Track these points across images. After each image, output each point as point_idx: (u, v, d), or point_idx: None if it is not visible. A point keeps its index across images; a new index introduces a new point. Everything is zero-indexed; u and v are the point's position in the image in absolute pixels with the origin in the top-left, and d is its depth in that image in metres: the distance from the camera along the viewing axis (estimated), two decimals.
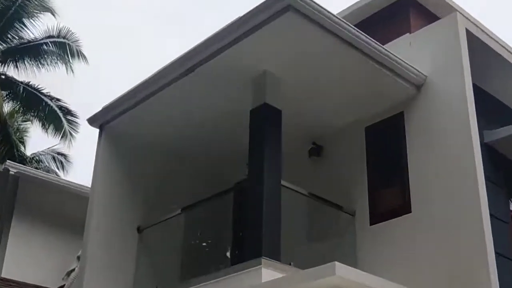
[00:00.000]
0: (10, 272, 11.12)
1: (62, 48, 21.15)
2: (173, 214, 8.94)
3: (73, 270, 9.85)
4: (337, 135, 9.04)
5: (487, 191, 7.31)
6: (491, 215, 7.25)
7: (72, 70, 21.37)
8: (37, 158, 22.52)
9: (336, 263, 6.08)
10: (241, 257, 8.19)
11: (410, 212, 7.70)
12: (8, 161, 12.58)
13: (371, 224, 8.03)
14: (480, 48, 8.28)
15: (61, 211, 12.63)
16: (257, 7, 7.24)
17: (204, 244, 10.57)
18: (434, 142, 7.86)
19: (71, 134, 21.25)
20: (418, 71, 8.14)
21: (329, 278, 6.08)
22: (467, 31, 8.15)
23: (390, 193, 8.10)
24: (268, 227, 7.10)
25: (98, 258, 8.77)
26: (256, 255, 6.95)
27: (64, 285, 9.93)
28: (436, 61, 8.24)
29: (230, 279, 7.33)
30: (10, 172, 12.07)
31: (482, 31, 8.41)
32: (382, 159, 8.47)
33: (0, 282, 9.32)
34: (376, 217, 8.02)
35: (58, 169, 22.49)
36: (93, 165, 9.36)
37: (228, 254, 10.11)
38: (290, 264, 7.14)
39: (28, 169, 13.20)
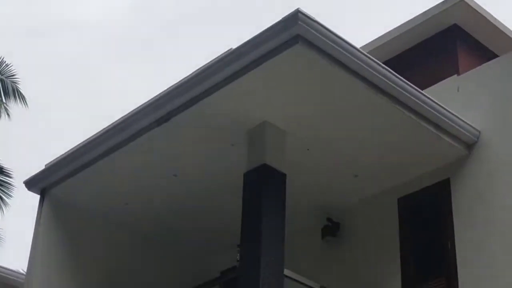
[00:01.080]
0: None
1: None
2: None
3: None
4: (360, 209, 9.07)
5: None
6: None
7: (7, 114, 21.39)
8: None
9: None
10: None
11: None
12: None
13: None
14: None
15: None
16: (257, 36, 7.24)
17: None
18: (492, 218, 7.85)
19: (2, 199, 21.14)
20: (470, 125, 8.22)
21: None
22: None
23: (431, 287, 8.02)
24: None
25: None
26: None
27: None
28: (492, 112, 8.32)
29: None
30: None
31: None
32: (421, 241, 8.44)
33: None
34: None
35: None
36: (30, 244, 9.29)
37: None
38: None
39: None
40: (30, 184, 9.44)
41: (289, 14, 6.95)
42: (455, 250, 7.96)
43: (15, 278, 12.36)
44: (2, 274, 12.68)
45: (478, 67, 8.98)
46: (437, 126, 8.01)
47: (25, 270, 9.51)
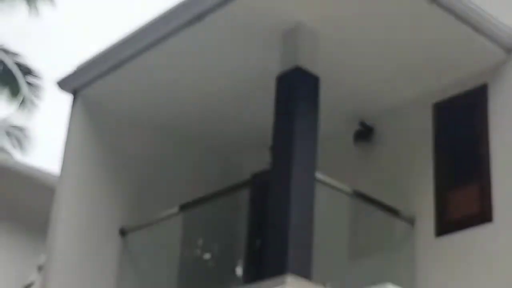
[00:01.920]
0: None
1: None
2: (167, 213, 8.99)
3: (32, 283, 9.96)
4: (394, 114, 9.01)
5: None
6: None
7: (36, 9, 21.31)
8: None
9: (389, 285, 6.08)
10: (257, 274, 8.23)
11: (491, 220, 7.65)
12: None
13: (437, 236, 8.00)
14: None
15: (16, 204, 12.73)
16: None
17: (207, 255, 10.63)
18: None
19: (32, 101, 21.35)
20: (510, 28, 8.06)
21: None
22: None
23: (464, 194, 8.02)
24: (296, 234, 7.11)
25: (67, 270, 8.85)
26: (279, 271, 6.96)
27: None
28: None
29: None
30: None
31: None
32: (456, 147, 8.40)
33: None
34: (444, 226, 7.98)
35: (14, 147, 22.65)
36: (62, 145, 9.41)
37: (239, 270, 10.17)
38: (324, 285, 7.15)
39: None
40: (63, 84, 9.51)
41: None
42: (489, 157, 7.94)
43: (47, 179, 12.44)
44: (37, 174, 12.84)
45: None
46: (475, 27, 7.85)
47: (57, 172, 9.64)
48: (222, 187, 8.69)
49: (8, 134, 22.93)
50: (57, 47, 40.34)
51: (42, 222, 9.87)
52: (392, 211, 8.23)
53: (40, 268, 9.83)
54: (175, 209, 8.98)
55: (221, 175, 9.76)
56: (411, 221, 8.26)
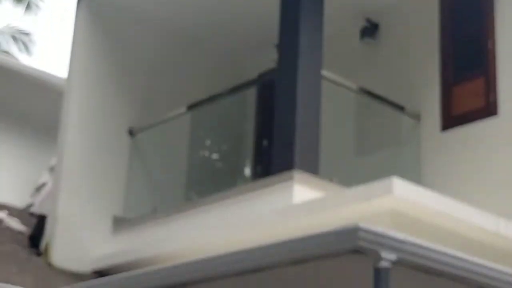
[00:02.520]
0: None
1: None
2: (175, 113, 9.03)
3: (44, 184, 10.08)
4: (400, 9, 8.92)
5: None
6: None
7: None
8: None
9: (394, 178, 6.13)
10: (265, 172, 8.32)
11: (496, 114, 7.66)
12: None
13: (442, 130, 8.04)
14: None
15: (27, 107, 12.78)
16: None
17: (215, 155, 10.73)
18: None
19: (37, 5, 21.17)
20: None
21: (384, 198, 6.15)
22: None
23: (470, 88, 8.00)
24: (303, 131, 7.16)
25: (77, 170, 8.97)
26: (286, 167, 7.05)
27: (33, 204, 10.21)
28: None
29: (250, 199, 7.47)
30: None
31: None
32: (461, 41, 8.36)
33: None
34: (449, 120, 8.02)
35: (20, 52, 22.60)
36: (69, 47, 9.39)
37: (247, 169, 10.28)
38: (331, 181, 7.23)
39: None
40: None
41: None
42: (495, 51, 7.88)
43: (55, 82, 12.40)
44: (45, 77, 12.80)
45: None
46: None
47: (65, 75, 9.65)
48: (229, 87, 8.72)
49: (14, 38, 22.86)
50: None
51: (52, 125, 9.93)
52: (398, 107, 8.25)
53: (51, 169, 9.95)
54: (183, 109, 9.02)
55: (228, 75, 9.75)
56: (416, 116, 8.28)
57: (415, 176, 7.85)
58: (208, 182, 9.81)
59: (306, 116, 7.22)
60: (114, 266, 8.25)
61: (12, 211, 9.92)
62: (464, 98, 8.01)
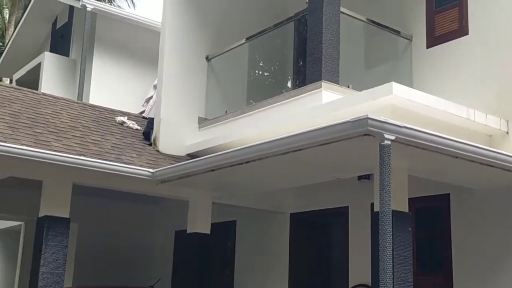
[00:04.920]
0: (95, 99, 11.59)
1: None
2: (238, 43, 8.87)
3: (151, 97, 10.12)
4: None
5: None
6: None
7: None
8: None
9: (393, 83, 5.98)
10: (302, 83, 8.18)
11: (468, 34, 7.30)
12: None
13: (427, 47, 7.71)
14: None
15: (136, 44, 12.76)
16: None
17: (266, 72, 10.60)
18: None
19: None
20: None
21: (386, 97, 6.02)
22: None
23: (448, 15, 7.58)
24: (327, 52, 6.96)
25: (172, 85, 8.98)
26: (316, 78, 6.91)
27: (144, 110, 10.29)
28: None
29: (292, 102, 7.38)
30: (88, 9, 12.08)
31: None
32: None
33: (89, 107, 9.73)
34: (433, 40, 7.68)
35: (128, 7, 22.45)
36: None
37: (289, 83, 10.14)
38: (348, 87, 7.08)
39: (104, 6, 13.18)
40: None
41: None
42: None
43: (156, 25, 12.20)
44: (148, 22, 12.60)
45: None
46: None
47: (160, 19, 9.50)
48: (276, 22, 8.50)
49: None
50: None
51: (154, 56, 9.89)
52: (395, 31, 7.93)
53: (155, 87, 9.97)
54: (242, 40, 8.85)
55: (276, 13, 9.43)
56: (409, 38, 7.96)
57: (408, 82, 7.64)
58: (262, 91, 9.72)
59: (329, 41, 6.99)
60: (200, 151, 8.34)
61: (131, 116, 10.03)
62: (443, 23, 7.63)
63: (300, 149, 5.59)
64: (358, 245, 7.96)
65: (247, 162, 6.14)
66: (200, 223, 8.02)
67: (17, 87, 9.75)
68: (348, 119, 5.03)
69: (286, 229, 9.09)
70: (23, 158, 6.38)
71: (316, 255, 8.94)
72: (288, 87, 10.14)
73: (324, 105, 6.73)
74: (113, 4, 22.05)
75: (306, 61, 7.19)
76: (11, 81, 15.73)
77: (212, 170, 6.61)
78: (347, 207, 8.25)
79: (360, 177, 7.54)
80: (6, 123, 7.08)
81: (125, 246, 11.16)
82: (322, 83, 6.81)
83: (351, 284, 7.92)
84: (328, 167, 6.43)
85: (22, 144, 6.43)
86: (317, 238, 9.06)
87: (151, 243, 11.42)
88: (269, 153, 5.78)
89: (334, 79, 6.92)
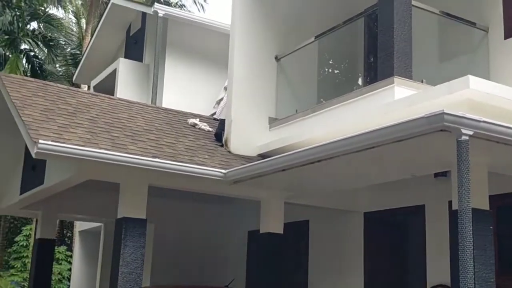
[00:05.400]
0: (168, 102, 11.84)
1: None
2: (307, 42, 8.81)
3: (222, 99, 10.23)
4: None
5: None
6: None
7: None
8: (180, 3, 22.85)
9: (470, 76, 5.76)
10: (372, 81, 8.02)
11: None
12: (156, 4, 12.82)
13: (505, 38, 7.38)
14: None
15: (206, 47, 12.92)
16: None
17: (336, 71, 10.48)
18: None
19: None
20: None
21: (462, 91, 5.80)
22: None
23: None
24: (399, 46, 6.79)
25: (242, 86, 9.02)
26: (388, 74, 6.76)
27: (215, 112, 10.41)
28: None
29: (362, 99, 7.26)
30: (159, 15, 12.36)
31: None
32: None
33: (162, 110, 9.95)
34: (511, 30, 7.33)
35: (198, 11, 22.82)
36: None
37: (360, 81, 9.98)
38: (422, 82, 6.88)
39: (175, 11, 13.45)
40: None
41: None
42: None
43: (226, 27, 12.32)
44: (218, 25, 12.72)
45: None
46: None
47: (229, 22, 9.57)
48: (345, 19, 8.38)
49: (195, 2, 23.05)
50: None
51: (224, 59, 9.96)
52: (471, 23, 7.64)
53: (225, 88, 10.06)
54: (312, 38, 8.78)
55: (344, 11, 9.31)
56: (485, 29, 7.64)
57: (485, 74, 7.34)
58: (332, 90, 9.61)
59: (401, 36, 6.82)
60: (271, 151, 8.33)
61: (202, 118, 10.17)
62: None
63: (373, 147, 5.48)
64: (436, 244, 7.73)
65: (319, 161, 6.08)
66: (272, 223, 8.02)
67: (95, 93, 10.11)
68: (423, 114, 4.88)
69: (360, 228, 8.95)
70: (102, 162, 6.59)
71: (391, 255, 8.75)
72: (358, 84, 9.98)
73: (397, 101, 6.57)
74: (183, 9, 22.48)
75: (378, 57, 7.05)
76: (88, 88, 16.35)
77: (284, 170, 6.59)
78: (423, 206, 8.03)
79: (436, 174, 7.31)
80: (85, 128, 7.34)
81: (199, 246, 11.34)
82: (395, 78, 6.65)
83: (429, 285, 7.70)
84: (403, 165, 6.28)
85: (100, 148, 6.64)
86: (392, 237, 8.86)
87: (224, 243, 11.54)
88: (342, 151, 5.70)
89: (407, 75, 6.75)
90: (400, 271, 8.67)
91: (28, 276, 13.27)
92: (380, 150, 5.53)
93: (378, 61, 7.05)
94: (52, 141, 6.32)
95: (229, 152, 8.52)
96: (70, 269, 19.86)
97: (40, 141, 6.23)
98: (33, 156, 6.38)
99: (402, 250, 8.79)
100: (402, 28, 6.84)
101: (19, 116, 7.09)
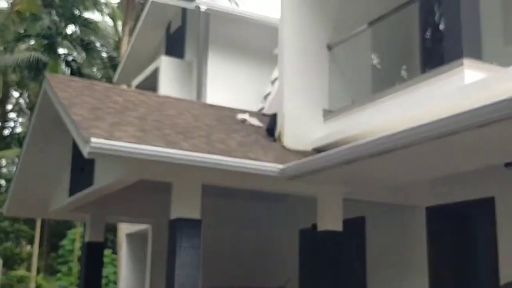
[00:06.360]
0: (212, 99, 11.59)
1: None
2: (359, 30, 8.41)
3: (269, 93, 9.93)
4: None
5: None
6: None
7: None
8: None
9: None
10: (431, 67, 7.59)
11: None
12: None
13: None
14: None
15: (250, 41, 12.64)
16: None
17: (392, 57, 10.03)
18: None
19: None
20: None
21: None
22: None
23: None
24: (467, 26, 6.34)
25: (294, 78, 8.68)
26: (457, 56, 6.31)
27: (263, 107, 10.12)
28: None
29: (425, 86, 6.83)
30: (201, 10, 12.13)
31: None
32: None
33: (209, 107, 9.69)
34: None
35: (236, 5, 22.53)
36: None
37: (416, 65, 9.53)
38: (492, 63, 6.41)
39: (217, 5, 13.20)
40: None
41: None
42: None
43: (270, 20, 11.99)
44: (262, 18, 12.45)
45: None
46: None
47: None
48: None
49: None
50: None
51: (269, 52, 9.66)
52: None
53: (272, 82, 9.76)
54: (365, 25, 8.37)
55: None
56: None
57: None
58: (388, 77, 9.19)
59: (469, 14, 6.37)
60: (326, 144, 7.99)
61: (251, 113, 9.87)
62: None
63: (449, 134, 5.06)
64: (508, 239, 7.23)
65: (388, 152, 5.69)
66: (330, 220, 7.68)
67: (141, 91, 9.91)
68: (506, 97, 4.46)
69: (421, 223, 8.49)
70: (155, 160, 6.33)
71: (457, 251, 8.27)
72: (415, 70, 9.52)
73: (468, 86, 6.12)
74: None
75: (444, 39, 6.62)
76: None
77: (349, 163, 6.22)
78: (492, 198, 7.53)
79: (507, 164, 6.82)
80: (136, 125, 7.11)
81: (249, 245, 11.04)
82: (464, 60, 6.20)
83: (502, 281, 7.20)
84: (480, 153, 5.83)
85: (154, 146, 6.37)
86: (458, 232, 8.38)
87: (275, 242, 11.21)
88: (416, 139, 5.30)
89: (477, 56, 6.30)
90: (468, 268, 8.19)
91: (76, 280, 13.21)
92: (455, 138, 5.12)
93: (444, 43, 6.61)
94: (105, 139, 6.08)
95: (283, 147, 8.20)
96: (115, 272, 19.86)
97: (92, 139, 6.00)
98: (85, 155, 6.16)
99: (469, 246, 8.30)
100: (469, 6, 6.38)
101: (68, 115, 6.89)
